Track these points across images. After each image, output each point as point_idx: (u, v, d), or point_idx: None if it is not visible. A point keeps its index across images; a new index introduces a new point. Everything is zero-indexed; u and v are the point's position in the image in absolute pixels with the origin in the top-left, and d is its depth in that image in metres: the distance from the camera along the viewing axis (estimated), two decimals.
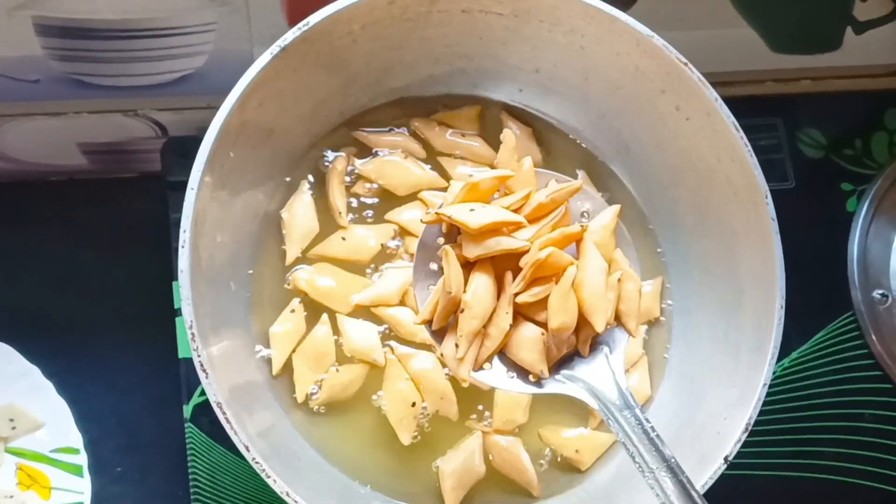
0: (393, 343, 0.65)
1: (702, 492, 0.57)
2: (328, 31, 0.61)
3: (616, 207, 0.58)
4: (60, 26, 0.68)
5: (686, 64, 0.63)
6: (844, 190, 0.82)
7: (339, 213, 0.66)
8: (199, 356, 0.56)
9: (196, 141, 0.59)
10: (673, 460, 0.51)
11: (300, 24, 0.60)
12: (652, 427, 0.53)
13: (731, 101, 0.63)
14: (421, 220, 0.57)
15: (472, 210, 0.55)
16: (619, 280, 0.56)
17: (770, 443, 0.75)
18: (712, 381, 0.65)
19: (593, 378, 0.56)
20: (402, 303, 0.65)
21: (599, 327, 0.54)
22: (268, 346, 0.64)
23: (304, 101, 0.65)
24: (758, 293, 0.63)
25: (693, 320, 0.68)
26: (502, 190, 0.58)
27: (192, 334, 0.56)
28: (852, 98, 0.84)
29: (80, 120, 0.73)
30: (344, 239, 0.66)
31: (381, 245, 0.66)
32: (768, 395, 0.70)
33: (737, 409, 0.61)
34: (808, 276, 0.70)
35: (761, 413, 0.71)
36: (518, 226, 0.55)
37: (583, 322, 0.55)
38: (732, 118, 0.62)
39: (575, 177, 0.68)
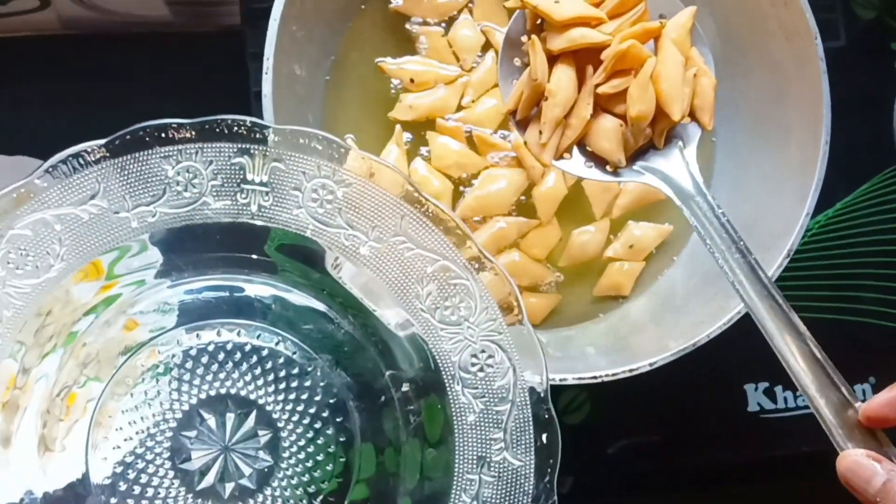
0: None
1: (744, 311, 0.60)
2: None
3: (693, 8, 0.60)
4: None
5: None
6: (893, 49, 0.83)
7: None
8: None
9: None
10: (742, 243, 0.56)
11: None
12: (723, 213, 0.57)
13: None
14: (504, 5, 0.60)
15: (556, 1, 0.58)
16: (694, 76, 0.59)
17: (812, 287, 0.79)
18: (759, 215, 0.68)
19: (668, 168, 0.59)
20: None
21: (676, 116, 0.58)
22: None
23: None
24: (805, 131, 0.66)
25: (741, 159, 0.71)
26: None
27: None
28: None
29: None
30: None
31: None
32: (811, 242, 0.73)
33: (781, 238, 0.65)
34: (854, 131, 0.73)
35: (803, 259, 0.75)
36: (600, 21, 0.58)
37: (659, 114, 0.58)
38: None
39: None
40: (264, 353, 0.58)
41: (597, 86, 0.57)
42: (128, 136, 0.57)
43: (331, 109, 0.71)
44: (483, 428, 0.58)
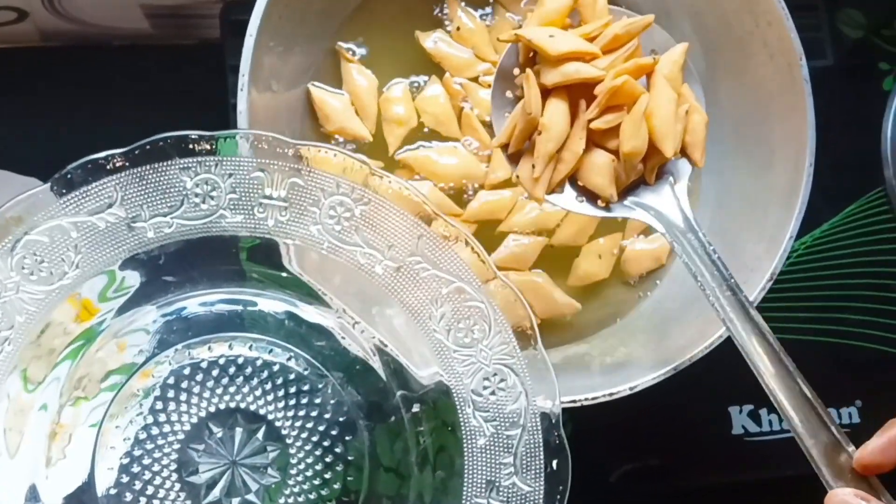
0: None
1: (726, 334, 0.64)
2: None
3: (685, 45, 0.64)
4: None
5: None
6: (882, 69, 0.87)
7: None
8: None
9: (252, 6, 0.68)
10: (732, 280, 0.60)
11: None
12: (714, 250, 0.61)
13: None
14: (498, 38, 0.65)
15: (551, 36, 0.62)
16: (686, 112, 0.63)
17: (797, 308, 0.83)
18: (741, 237, 0.72)
19: (659, 204, 0.63)
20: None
21: (669, 153, 0.61)
22: None
23: None
24: (789, 153, 0.70)
25: (725, 181, 0.75)
26: (576, 20, 0.65)
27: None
28: None
29: None
30: None
31: None
32: (796, 264, 0.76)
33: (763, 260, 0.69)
34: (841, 152, 0.77)
35: (789, 280, 0.78)
36: (594, 56, 0.62)
37: (651, 151, 0.62)
38: None
39: None
40: (275, 368, 0.61)
41: (590, 121, 0.61)
42: (147, 146, 0.61)
43: (309, 125, 0.75)
44: (493, 452, 0.61)
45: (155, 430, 0.61)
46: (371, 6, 0.76)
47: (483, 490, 0.61)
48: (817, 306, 0.84)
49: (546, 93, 0.63)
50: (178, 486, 0.60)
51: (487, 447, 0.61)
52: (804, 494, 0.56)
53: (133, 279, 0.63)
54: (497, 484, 0.61)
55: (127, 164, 0.61)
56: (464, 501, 0.61)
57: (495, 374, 0.62)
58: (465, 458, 0.61)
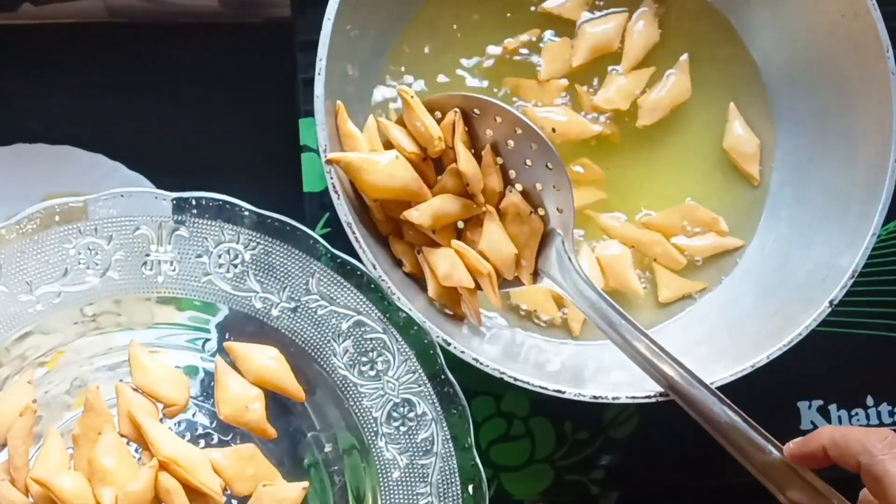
0: None
1: (805, 333, 0.65)
2: None
3: None
4: None
5: None
6: None
7: None
8: (331, 178, 0.65)
9: None
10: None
11: None
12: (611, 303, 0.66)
13: None
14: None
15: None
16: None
17: (873, 303, 0.81)
18: (821, 231, 0.72)
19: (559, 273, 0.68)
20: None
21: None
22: None
23: None
24: (873, 147, 0.69)
25: (804, 173, 0.74)
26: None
27: (326, 157, 0.65)
28: None
29: None
30: None
31: None
32: (874, 256, 0.75)
33: (844, 256, 0.68)
34: None
35: (866, 275, 0.76)
36: None
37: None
38: None
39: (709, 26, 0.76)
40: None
41: None
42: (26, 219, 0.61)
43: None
44: (408, 483, 0.62)
45: None
46: None
47: None
48: (891, 301, 0.82)
49: None
50: None
51: (402, 479, 0.62)
52: None
53: None
54: None
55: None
56: None
57: (404, 405, 0.62)
58: (381, 492, 0.62)
